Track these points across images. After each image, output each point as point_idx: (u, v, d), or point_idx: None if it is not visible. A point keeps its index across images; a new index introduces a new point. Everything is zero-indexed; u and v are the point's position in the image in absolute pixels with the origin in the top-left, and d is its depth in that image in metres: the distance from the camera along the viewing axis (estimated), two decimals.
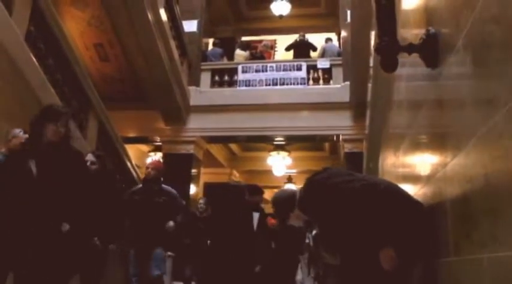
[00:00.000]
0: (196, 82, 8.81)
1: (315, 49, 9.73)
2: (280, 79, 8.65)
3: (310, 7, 12.12)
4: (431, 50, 1.85)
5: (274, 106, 8.26)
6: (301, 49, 9.62)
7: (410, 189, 2.27)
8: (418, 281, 2.05)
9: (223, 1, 11.78)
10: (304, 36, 10.14)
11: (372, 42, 4.73)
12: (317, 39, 10.48)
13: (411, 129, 2.42)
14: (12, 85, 4.11)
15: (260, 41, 11.66)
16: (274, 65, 8.92)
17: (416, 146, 2.28)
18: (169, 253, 5.63)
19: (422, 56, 1.95)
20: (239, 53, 9.78)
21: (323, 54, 9.36)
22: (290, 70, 8.70)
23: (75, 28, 6.93)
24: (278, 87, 8.58)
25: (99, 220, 3.44)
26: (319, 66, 8.72)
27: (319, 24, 12.07)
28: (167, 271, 5.57)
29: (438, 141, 1.86)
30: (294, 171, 12.41)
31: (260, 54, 10.05)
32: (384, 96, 3.84)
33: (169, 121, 8.34)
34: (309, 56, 9.45)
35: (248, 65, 8.98)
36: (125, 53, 7.44)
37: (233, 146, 11.58)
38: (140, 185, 4.73)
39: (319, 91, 8.41)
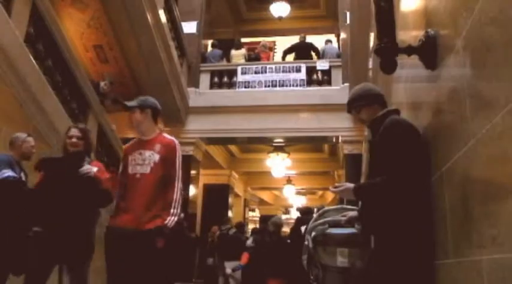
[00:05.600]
0: (195, 84, 8.81)
1: (315, 50, 9.69)
2: (279, 80, 8.65)
3: (310, 9, 12.13)
4: (430, 51, 1.86)
5: (273, 107, 8.25)
6: (302, 50, 9.60)
7: None
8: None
9: (223, 3, 11.78)
10: (304, 37, 10.12)
11: (371, 44, 4.74)
12: (316, 40, 10.48)
13: None
14: (12, 86, 4.11)
15: (259, 43, 11.65)
16: (273, 66, 8.92)
17: None
18: None
19: (422, 57, 1.95)
20: (235, 53, 9.77)
21: (322, 56, 9.36)
22: (289, 71, 8.70)
23: (75, 30, 6.93)
24: (277, 88, 8.58)
25: None
26: (318, 67, 8.72)
27: (318, 26, 12.08)
28: None
29: (438, 142, 1.86)
30: (293, 172, 12.40)
31: (257, 55, 10.01)
32: None
33: (168, 123, 8.31)
34: (309, 58, 9.44)
35: (247, 67, 8.98)
36: (124, 55, 7.44)
37: (232, 147, 11.57)
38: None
39: (318, 92, 8.40)
